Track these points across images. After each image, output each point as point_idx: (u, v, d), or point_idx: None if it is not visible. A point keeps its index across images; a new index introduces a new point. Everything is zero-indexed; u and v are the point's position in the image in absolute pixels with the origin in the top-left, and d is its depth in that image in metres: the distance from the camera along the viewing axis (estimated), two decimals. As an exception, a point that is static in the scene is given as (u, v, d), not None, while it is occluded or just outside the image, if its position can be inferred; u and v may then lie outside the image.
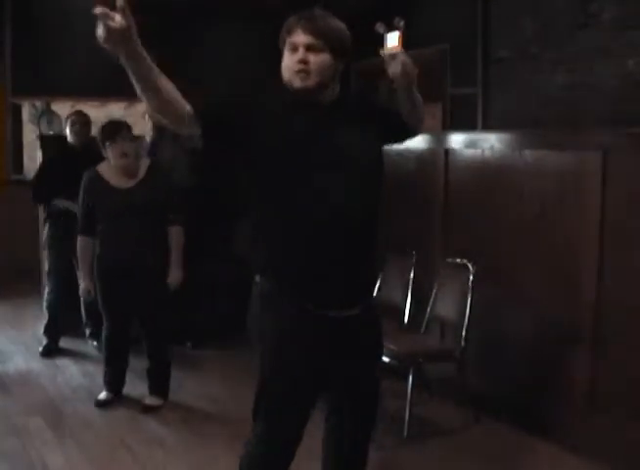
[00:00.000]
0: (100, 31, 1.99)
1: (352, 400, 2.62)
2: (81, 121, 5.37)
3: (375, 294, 2.66)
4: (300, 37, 2.35)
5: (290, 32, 2.37)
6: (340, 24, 2.43)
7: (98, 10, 1.95)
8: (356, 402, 2.62)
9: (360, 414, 2.65)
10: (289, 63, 2.37)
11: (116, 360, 4.42)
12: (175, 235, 4.28)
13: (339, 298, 2.41)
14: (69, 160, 5.25)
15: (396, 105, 2.55)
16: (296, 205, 2.35)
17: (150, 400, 4.34)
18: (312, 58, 2.34)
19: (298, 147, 2.34)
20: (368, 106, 2.60)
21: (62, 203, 5.17)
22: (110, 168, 4.23)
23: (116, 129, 4.22)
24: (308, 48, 2.34)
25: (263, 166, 2.37)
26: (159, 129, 5.84)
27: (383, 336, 2.66)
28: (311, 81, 2.35)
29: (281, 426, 2.50)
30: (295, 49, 2.35)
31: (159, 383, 4.38)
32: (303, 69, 2.34)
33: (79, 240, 4.27)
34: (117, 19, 1.96)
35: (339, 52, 2.39)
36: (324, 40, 2.35)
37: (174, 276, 4.26)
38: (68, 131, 5.39)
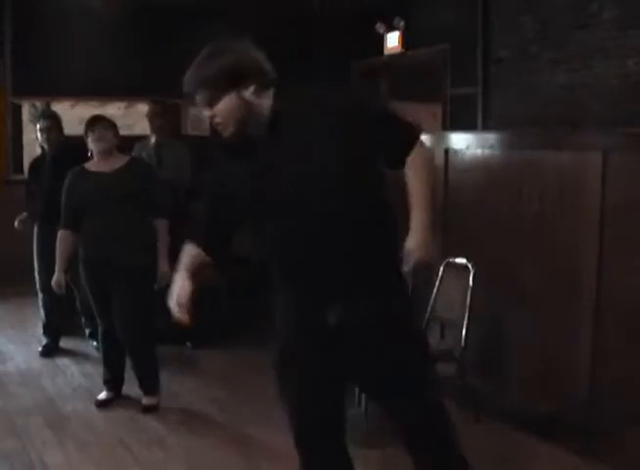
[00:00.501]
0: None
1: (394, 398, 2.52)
2: (49, 127, 5.34)
3: (391, 288, 2.47)
4: (196, 99, 2.37)
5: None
6: (216, 60, 2.31)
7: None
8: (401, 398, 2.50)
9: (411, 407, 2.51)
10: None
11: (114, 359, 4.42)
12: (159, 228, 4.31)
13: (329, 295, 2.37)
14: (46, 169, 5.24)
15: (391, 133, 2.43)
16: (273, 231, 2.40)
17: (146, 401, 4.34)
18: (216, 110, 2.34)
19: (252, 189, 2.39)
20: (336, 111, 2.37)
21: None
22: (93, 162, 4.33)
23: (96, 120, 4.35)
24: (206, 104, 2.35)
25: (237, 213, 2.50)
26: (162, 131, 5.85)
27: (409, 327, 2.53)
28: (230, 129, 2.36)
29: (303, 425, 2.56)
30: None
31: (147, 381, 4.38)
32: (217, 123, 2.37)
33: (60, 233, 4.31)
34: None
35: (230, 85, 2.31)
36: (207, 90, 2.32)
37: (161, 272, 4.26)
38: (39, 136, 5.36)
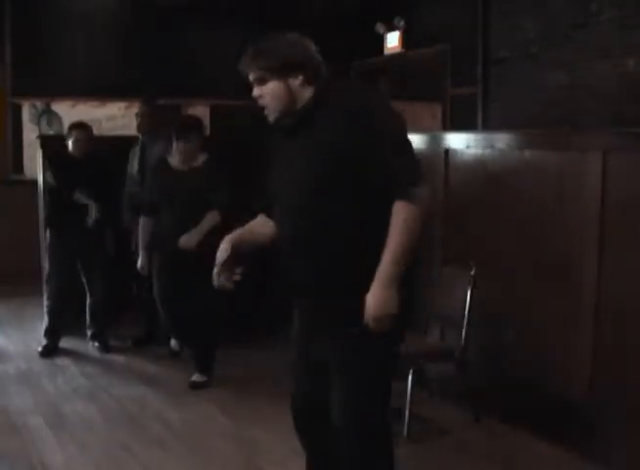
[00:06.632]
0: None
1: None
2: (83, 138, 5.26)
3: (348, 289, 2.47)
4: (248, 77, 2.49)
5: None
6: (274, 44, 2.46)
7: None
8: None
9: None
10: None
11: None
12: (208, 215, 4.62)
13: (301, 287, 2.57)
14: (68, 168, 5.23)
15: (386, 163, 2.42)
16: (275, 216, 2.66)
17: (194, 377, 4.66)
18: (264, 90, 2.46)
19: (276, 173, 2.59)
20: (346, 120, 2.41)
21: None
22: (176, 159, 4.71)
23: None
24: (257, 82, 2.47)
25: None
26: (149, 132, 5.63)
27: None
28: (273, 112, 2.48)
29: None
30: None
31: (197, 362, 4.73)
32: (262, 104, 2.48)
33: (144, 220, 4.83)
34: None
35: (283, 71, 2.43)
36: (260, 69, 2.44)
37: (186, 236, 4.59)
38: (70, 143, 5.29)
